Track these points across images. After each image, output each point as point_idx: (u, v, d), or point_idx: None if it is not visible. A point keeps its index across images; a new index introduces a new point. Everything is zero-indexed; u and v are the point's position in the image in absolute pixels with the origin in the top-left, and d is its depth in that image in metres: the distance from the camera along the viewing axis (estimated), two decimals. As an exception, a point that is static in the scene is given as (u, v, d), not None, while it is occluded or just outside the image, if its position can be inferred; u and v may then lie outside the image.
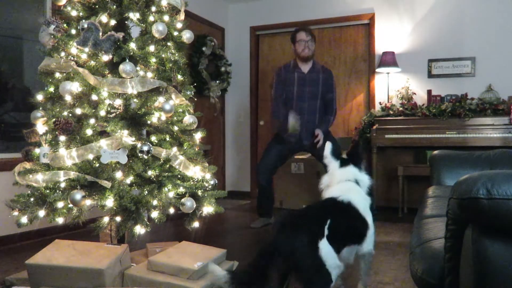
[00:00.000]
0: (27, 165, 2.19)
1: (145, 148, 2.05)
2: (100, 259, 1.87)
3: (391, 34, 4.97)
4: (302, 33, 3.71)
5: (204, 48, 5.13)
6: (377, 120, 4.55)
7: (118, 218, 2.04)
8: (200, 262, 1.94)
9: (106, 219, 2.10)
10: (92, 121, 2.09)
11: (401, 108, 4.54)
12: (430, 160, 2.88)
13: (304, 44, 3.67)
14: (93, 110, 2.09)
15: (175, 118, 2.33)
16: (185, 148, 2.31)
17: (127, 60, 2.10)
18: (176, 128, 2.32)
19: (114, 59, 2.11)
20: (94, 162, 2.06)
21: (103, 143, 2.03)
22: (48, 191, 2.04)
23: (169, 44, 2.32)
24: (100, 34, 2.06)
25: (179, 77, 2.37)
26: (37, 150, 2.15)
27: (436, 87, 4.70)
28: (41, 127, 2.19)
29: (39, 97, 2.22)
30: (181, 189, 2.18)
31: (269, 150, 3.81)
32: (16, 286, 1.99)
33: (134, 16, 2.22)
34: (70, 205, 2.01)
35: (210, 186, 2.36)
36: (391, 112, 4.55)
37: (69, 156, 2.02)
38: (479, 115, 4.16)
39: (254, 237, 3.53)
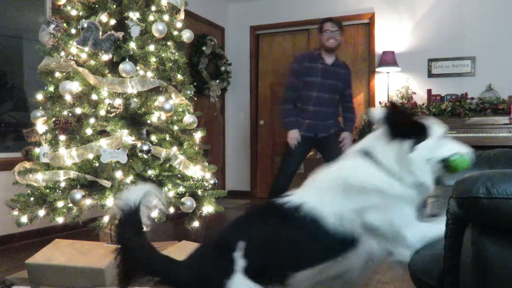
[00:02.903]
0: (27, 165, 2.19)
1: (145, 148, 2.05)
2: (100, 259, 1.87)
3: (391, 34, 4.97)
4: (328, 23, 3.65)
5: (204, 48, 5.13)
6: (377, 120, 4.55)
7: (118, 218, 2.04)
8: (200, 262, 1.94)
9: (106, 219, 2.10)
10: (92, 120, 2.09)
11: (401, 108, 4.54)
12: (430, 159, 2.88)
13: (330, 34, 3.60)
14: (93, 110, 2.09)
15: (175, 117, 2.33)
16: (185, 147, 2.31)
17: (127, 60, 2.10)
18: (176, 127, 2.32)
19: (114, 58, 2.11)
20: (94, 161, 2.06)
21: (103, 142, 2.03)
22: (48, 190, 2.04)
23: (169, 43, 2.32)
24: (100, 33, 2.06)
25: (179, 76, 2.37)
26: (37, 150, 2.15)
27: (436, 87, 4.69)
28: (41, 126, 2.19)
29: (39, 96, 2.22)
30: (181, 189, 2.18)
31: (293, 154, 3.62)
32: (16, 286, 1.99)
33: (134, 15, 2.22)
34: (70, 205, 2.01)
35: (210, 186, 2.36)
36: (391, 112, 4.55)
37: (69, 155, 2.02)
38: (479, 114, 4.16)
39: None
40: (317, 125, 3.60)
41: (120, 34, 2.11)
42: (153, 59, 2.22)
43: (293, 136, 3.56)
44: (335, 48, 3.65)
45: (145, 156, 2.08)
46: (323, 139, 3.64)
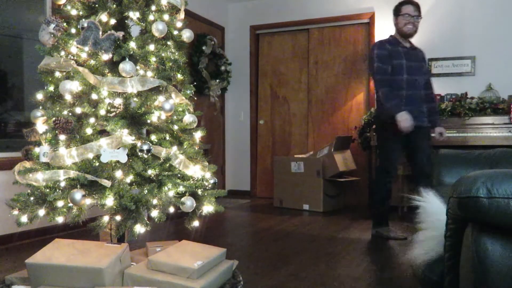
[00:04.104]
0: (27, 164, 2.18)
1: (145, 147, 2.05)
2: (100, 258, 1.87)
3: (391, 33, 4.96)
4: (409, 6, 3.32)
5: (204, 47, 5.13)
6: (377, 119, 4.55)
7: (118, 217, 2.04)
8: (200, 261, 1.95)
9: (106, 218, 2.10)
10: (92, 120, 2.09)
11: (401, 107, 4.54)
12: (430, 159, 2.88)
13: (408, 19, 3.30)
14: (93, 109, 2.09)
15: (175, 117, 2.33)
16: (185, 147, 2.31)
17: (127, 59, 2.10)
18: (176, 127, 2.32)
19: (114, 58, 2.11)
20: (94, 161, 2.06)
21: (103, 142, 2.03)
22: (48, 190, 2.04)
23: (169, 43, 2.32)
24: (100, 33, 2.06)
25: (179, 76, 2.37)
26: (37, 149, 2.15)
27: (436, 86, 4.67)
28: (41, 126, 2.19)
29: (39, 96, 2.22)
30: (181, 188, 2.18)
31: (391, 146, 3.31)
32: (16, 285, 1.99)
33: (134, 15, 2.22)
34: (70, 204, 2.01)
35: (210, 185, 2.36)
36: (391, 111, 4.55)
37: (69, 155, 2.01)
38: (479, 114, 4.16)
39: (254, 236, 3.53)
40: (412, 112, 3.18)
41: (120, 34, 2.11)
42: (153, 59, 2.21)
43: (406, 117, 3.09)
44: (412, 35, 3.36)
45: (145, 156, 2.08)
46: (416, 129, 3.21)
